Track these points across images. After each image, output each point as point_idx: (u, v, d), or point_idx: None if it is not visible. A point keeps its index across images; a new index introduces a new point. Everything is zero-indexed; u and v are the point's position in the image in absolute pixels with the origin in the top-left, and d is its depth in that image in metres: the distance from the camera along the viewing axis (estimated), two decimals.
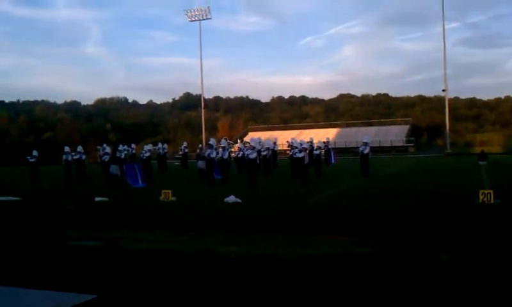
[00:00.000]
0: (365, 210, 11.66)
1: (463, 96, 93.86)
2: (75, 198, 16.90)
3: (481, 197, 12.27)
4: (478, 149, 41.45)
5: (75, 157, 27.16)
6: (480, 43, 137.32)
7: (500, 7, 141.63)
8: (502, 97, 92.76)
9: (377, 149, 55.43)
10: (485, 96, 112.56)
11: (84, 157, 27.32)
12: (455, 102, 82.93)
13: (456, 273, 6.05)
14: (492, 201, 12.06)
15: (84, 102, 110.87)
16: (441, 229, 8.98)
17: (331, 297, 5.31)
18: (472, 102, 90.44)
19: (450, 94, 66.54)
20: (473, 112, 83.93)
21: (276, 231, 9.18)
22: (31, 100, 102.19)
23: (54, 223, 11.15)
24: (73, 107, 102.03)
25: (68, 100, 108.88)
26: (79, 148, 27.47)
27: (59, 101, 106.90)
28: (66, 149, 27.94)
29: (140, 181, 20.87)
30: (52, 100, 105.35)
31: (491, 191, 12.33)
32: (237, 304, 5.22)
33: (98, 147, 30.65)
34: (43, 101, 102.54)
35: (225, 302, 5.28)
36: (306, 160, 19.46)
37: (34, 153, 28.48)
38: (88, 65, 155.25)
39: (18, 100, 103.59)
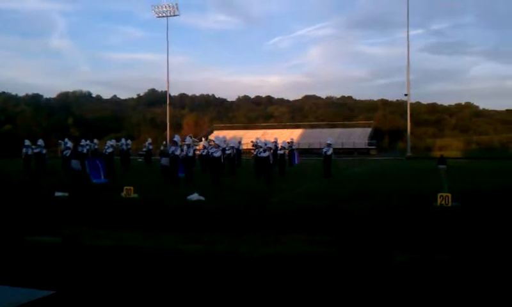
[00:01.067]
0: (326, 210, 11.82)
1: (424, 101, 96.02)
2: (34, 192, 16.55)
3: (439, 200, 12.57)
4: (438, 154, 42.43)
5: (35, 151, 26.59)
6: (443, 50, 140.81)
7: (464, 16, 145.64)
8: (463, 103, 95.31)
9: (340, 151, 56.08)
10: (446, 101, 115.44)
11: (44, 150, 26.77)
12: (417, 106, 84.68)
13: (412, 274, 6.23)
14: (450, 204, 12.38)
15: (46, 95, 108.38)
16: (399, 231, 9.20)
17: (290, 295, 5.39)
18: (433, 107, 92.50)
19: (412, 99, 68.06)
20: (434, 117, 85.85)
21: (238, 230, 9.22)
22: None
23: (12, 217, 10.92)
24: (34, 100, 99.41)
25: (30, 92, 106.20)
26: (40, 142, 26.89)
27: (21, 93, 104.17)
28: (27, 142, 27.34)
29: (102, 177, 20.60)
30: (13, 92, 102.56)
31: (449, 194, 12.66)
32: (195, 301, 5.24)
33: (60, 141, 29.99)
34: (3, 93, 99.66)
35: (183, 299, 5.29)
36: (271, 160, 19.56)
37: None
38: (51, 58, 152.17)
39: None
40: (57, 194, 15.21)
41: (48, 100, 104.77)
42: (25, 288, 5.58)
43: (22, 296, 5.27)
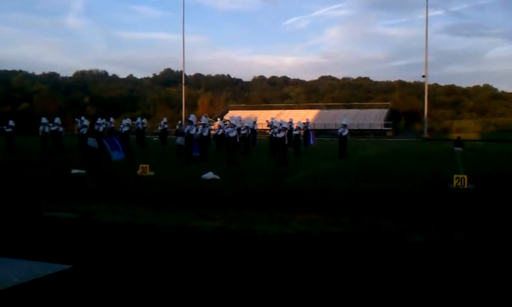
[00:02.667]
0: (341, 191, 11.80)
1: (442, 83, 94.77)
2: (51, 170, 16.74)
3: (455, 181, 12.49)
4: (455, 136, 41.99)
5: (52, 129, 26.83)
6: (462, 32, 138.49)
7: None
8: (481, 85, 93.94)
9: (356, 132, 55.76)
10: (464, 83, 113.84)
11: (61, 129, 27.01)
12: (434, 88, 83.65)
13: (427, 255, 6.20)
14: (466, 185, 12.29)
15: (63, 74, 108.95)
16: (414, 212, 9.15)
17: (305, 276, 5.41)
18: (451, 89, 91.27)
19: (430, 81, 67.07)
20: (451, 98, 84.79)
21: (252, 209, 9.25)
22: (9, 69, 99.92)
23: (30, 194, 11.07)
24: (51, 79, 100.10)
25: (47, 71, 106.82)
26: (57, 120, 27.11)
27: (38, 72, 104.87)
28: (44, 120, 27.58)
29: (121, 151, 20.68)
30: (30, 71, 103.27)
31: (465, 176, 12.56)
32: (212, 280, 5.28)
33: (76, 119, 30.27)
34: (20, 71, 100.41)
35: (200, 277, 5.33)
36: (286, 140, 19.55)
37: (11, 123, 28.03)
38: (68, 37, 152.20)
39: None
40: (74, 171, 15.36)
41: (65, 78, 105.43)
42: (44, 262, 5.67)
43: (39, 269, 5.35)
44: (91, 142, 21.20)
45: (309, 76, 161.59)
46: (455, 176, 12.68)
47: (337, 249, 6.44)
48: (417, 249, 6.43)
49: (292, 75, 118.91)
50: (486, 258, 6.04)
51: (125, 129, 29.02)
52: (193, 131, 20.34)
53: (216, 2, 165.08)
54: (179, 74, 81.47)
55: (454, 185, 12.41)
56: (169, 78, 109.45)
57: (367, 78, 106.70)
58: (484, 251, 6.40)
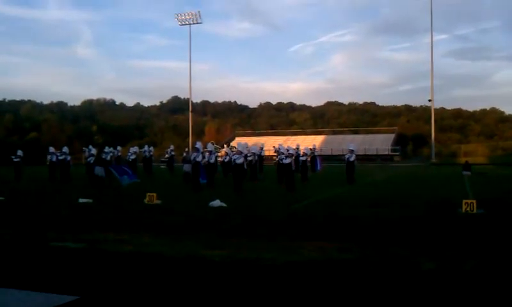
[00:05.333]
0: (350, 217, 11.70)
1: (448, 107, 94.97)
2: (59, 199, 16.74)
3: (464, 206, 12.36)
4: (462, 160, 41.81)
5: (60, 158, 26.92)
6: (468, 55, 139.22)
7: (488, 21, 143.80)
8: (488, 108, 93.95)
9: (363, 158, 55.63)
10: (471, 107, 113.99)
11: (69, 157, 27.10)
12: (441, 112, 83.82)
13: (438, 281, 6.10)
14: (475, 210, 12.16)
15: (70, 103, 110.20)
16: (424, 238, 9.04)
17: (314, 305, 5.32)
18: (458, 113, 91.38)
19: (436, 105, 67.21)
20: (458, 122, 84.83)
21: (260, 237, 9.17)
22: (17, 99, 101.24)
23: (37, 224, 11.05)
24: (59, 108, 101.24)
25: (55, 100, 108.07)
26: (64, 149, 27.24)
27: (46, 101, 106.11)
28: (51, 149, 27.72)
29: (131, 175, 20.66)
30: (38, 100, 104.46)
31: (474, 201, 12.43)
32: None
33: (84, 148, 30.38)
34: (29, 101, 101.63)
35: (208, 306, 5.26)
36: (293, 166, 19.51)
37: (19, 152, 28.21)
38: (76, 66, 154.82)
39: (4, 99, 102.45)
40: (81, 200, 15.36)
41: (73, 107, 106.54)
42: (50, 293, 5.61)
43: (46, 301, 5.30)
44: (99, 170, 21.24)
45: (315, 102, 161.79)
46: (464, 201, 12.56)
47: (346, 276, 6.34)
48: (428, 276, 6.32)
49: (298, 101, 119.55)
50: (497, 286, 5.93)
51: (133, 157, 29.10)
52: (200, 158, 20.33)
53: (222, 30, 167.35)
54: (186, 101, 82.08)
55: (463, 210, 12.28)
56: (176, 106, 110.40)
57: (373, 103, 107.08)
58: (495, 278, 6.28)
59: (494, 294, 5.60)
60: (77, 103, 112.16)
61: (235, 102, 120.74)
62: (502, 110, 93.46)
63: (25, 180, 26.53)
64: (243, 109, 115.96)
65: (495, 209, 12.94)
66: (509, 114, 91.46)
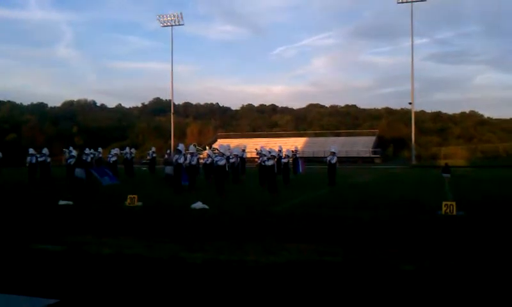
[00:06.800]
0: (331, 219, 11.77)
1: (428, 110, 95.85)
2: (38, 201, 16.55)
3: (444, 208, 12.51)
4: (442, 162, 42.25)
5: (40, 159, 26.63)
6: (448, 59, 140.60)
7: (468, 26, 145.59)
8: (467, 112, 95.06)
9: (344, 160, 55.94)
10: (450, 110, 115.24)
11: (49, 159, 26.84)
12: (421, 115, 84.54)
13: (418, 282, 6.18)
14: (455, 212, 12.32)
15: (51, 104, 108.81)
16: (404, 239, 9.14)
17: (296, 304, 5.36)
18: (438, 116, 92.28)
19: (417, 108, 67.84)
20: (438, 125, 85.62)
21: (242, 239, 9.19)
22: None
23: (17, 226, 10.92)
24: (39, 109, 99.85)
25: (35, 101, 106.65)
26: (44, 150, 26.96)
27: (26, 102, 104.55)
28: (31, 151, 27.39)
29: (112, 176, 20.52)
30: (18, 101, 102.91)
31: (454, 203, 12.60)
32: None
33: (64, 150, 30.16)
34: (8, 101, 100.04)
35: None
36: (275, 168, 19.55)
37: None
38: (57, 67, 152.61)
39: None
40: (62, 202, 15.21)
41: (53, 108, 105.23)
42: (29, 296, 5.56)
43: (25, 304, 5.25)
44: (79, 172, 21.04)
45: (297, 104, 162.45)
46: (444, 202, 12.72)
47: (327, 278, 6.39)
48: (407, 277, 6.40)
49: (280, 104, 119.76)
50: (476, 286, 6.03)
51: (113, 159, 28.91)
52: (182, 160, 20.27)
53: (205, 32, 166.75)
54: (168, 103, 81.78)
55: (443, 212, 12.44)
56: (158, 108, 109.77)
57: (354, 106, 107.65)
58: (474, 279, 6.38)
59: (471, 294, 5.69)
60: (58, 104, 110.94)
61: (218, 103, 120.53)
62: (481, 113, 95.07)
63: (4, 181, 26.16)
64: (225, 110, 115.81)
65: (475, 211, 13.12)
66: (488, 117, 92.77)
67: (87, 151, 28.32)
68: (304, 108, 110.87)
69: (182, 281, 6.34)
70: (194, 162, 21.81)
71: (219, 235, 9.70)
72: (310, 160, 55.09)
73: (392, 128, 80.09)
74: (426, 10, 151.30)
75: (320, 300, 5.48)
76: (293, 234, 9.75)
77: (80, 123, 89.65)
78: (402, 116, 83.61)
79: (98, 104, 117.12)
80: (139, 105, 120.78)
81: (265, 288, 5.96)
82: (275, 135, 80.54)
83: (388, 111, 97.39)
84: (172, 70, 71.17)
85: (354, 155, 65.79)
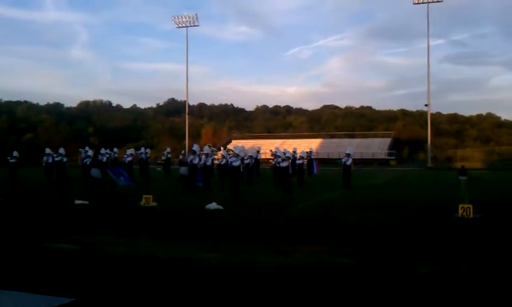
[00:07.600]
0: (346, 221, 11.69)
1: (445, 112, 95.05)
2: (55, 200, 16.68)
3: (460, 211, 12.37)
4: (459, 165, 41.89)
5: (56, 159, 26.84)
6: (464, 61, 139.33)
7: (485, 27, 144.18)
8: (484, 114, 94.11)
9: (359, 161, 55.71)
10: (467, 112, 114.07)
11: (65, 159, 27.04)
12: (437, 117, 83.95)
13: (434, 285, 6.10)
14: (471, 215, 12.17)
15: (67, 104, 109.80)
16: (420, 242, 9.04)
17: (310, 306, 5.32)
18: (454, 118, 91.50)
19: (433, 110, 67.35)
20: (454, 127, 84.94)
21: (257, 240, 9.16)
22: (13, 100, 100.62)
23: (32, 225, 11.01)
24: (55, 109, 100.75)
25: (51, 101, 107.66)
26: (61, 150, 27.18)
27: (42, 102, 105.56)
28: (47, 151, 27.60)
29: (127, 177, 20.63)
30: (34, 102, 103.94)
31: (471, 206, 12.44)
32: None
33: (80, 150, 30.29)
34: (25, 102, 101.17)
35: None
36: (290, 170, 19.50)
37: (15, 153, 28.10)
38: (73, 68, 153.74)
39: (0, 100, 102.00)
40: (77, 202, 15.32)
41: (69, 109, 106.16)
42: (44, 295, 5.58)
43: (40, 303, 5.27)
44: (95, 172, 21.19)
45: (312, 105, 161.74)
46: (460, 205, 12.57)
47: (342, 280, 6.33)
48: (423, 280, 6.32)
49: (294, 105, 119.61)
50: (492, 290, 5.93)
51: (129, 159, 29.01)
52: (196, 161, 20.30)
53: (220, 33, 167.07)
54: (183, 104, 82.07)
55: (460, 214, 12.30)
56: (173, 108, 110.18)
57: (369, 108, 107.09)
58: (490, 283, 6.28)
59: (487, 298, 5.60)
60: (74, 104, 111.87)
61: (232, 104, 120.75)
62: (498, 115, 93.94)
63: (20, 181, 26.43)
64: (240, 111, 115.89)
65: (492, 214, 12.95)
66: (505, 120, 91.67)
67: (102, 151, 28.49)
68: (318, 109, 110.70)
69: (196, 281, 6.33)
70: (208, 163, 21.82)
71: (234, 235, 9.67)
72: (324, 161, 54.95)
73: (407, 130, 79.62)
74: (442, 11, 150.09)
75: (334, 303, 5.43)
76: (307, 236, 9.69)
77: (95, 123, 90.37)
78: (417, 117, 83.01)
79: (113, 104, 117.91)
80: (154, 105, 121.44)
81: (280, 290, 5.92)
82: (290, 136, 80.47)
83: (404, 113, 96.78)
84: (187, 71, 71.54)
85: (369, 156, 65.49)
